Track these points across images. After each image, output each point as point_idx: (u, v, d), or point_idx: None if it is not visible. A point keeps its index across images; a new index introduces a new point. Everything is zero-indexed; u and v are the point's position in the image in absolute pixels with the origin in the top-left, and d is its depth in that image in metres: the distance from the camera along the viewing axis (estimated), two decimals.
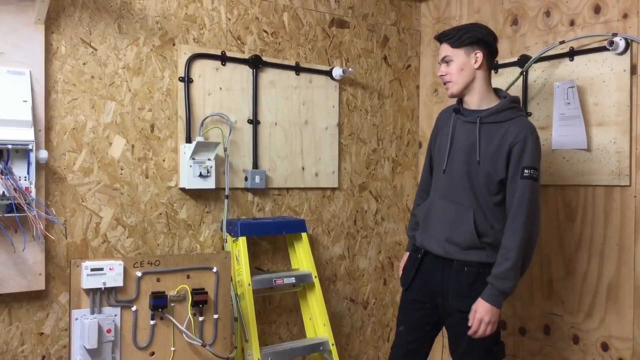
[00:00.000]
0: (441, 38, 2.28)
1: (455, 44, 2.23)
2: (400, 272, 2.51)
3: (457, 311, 2.22)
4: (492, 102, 2.26)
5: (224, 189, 2.73)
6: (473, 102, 2.28)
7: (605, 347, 2.69)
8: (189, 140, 2.63)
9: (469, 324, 2.14)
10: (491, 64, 2.29)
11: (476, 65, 2.22)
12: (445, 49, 2.26)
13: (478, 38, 2.22)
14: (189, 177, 2.59)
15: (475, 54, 2.22)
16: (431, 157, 2.48)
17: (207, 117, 2.68)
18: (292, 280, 2.75)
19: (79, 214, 2.40)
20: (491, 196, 2.20)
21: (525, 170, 2.13)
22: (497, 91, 2.31)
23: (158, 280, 2.30)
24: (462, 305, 2.19)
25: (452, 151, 2.29)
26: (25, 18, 2.24)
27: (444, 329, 2.41)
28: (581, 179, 2.74)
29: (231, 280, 2.50)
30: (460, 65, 2.23)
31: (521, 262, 2.14)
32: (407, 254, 2.52)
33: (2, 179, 2.07)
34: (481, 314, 2.12)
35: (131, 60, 2.52)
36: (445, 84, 2.30)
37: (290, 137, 2.99)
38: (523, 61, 2.94)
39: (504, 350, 2.27)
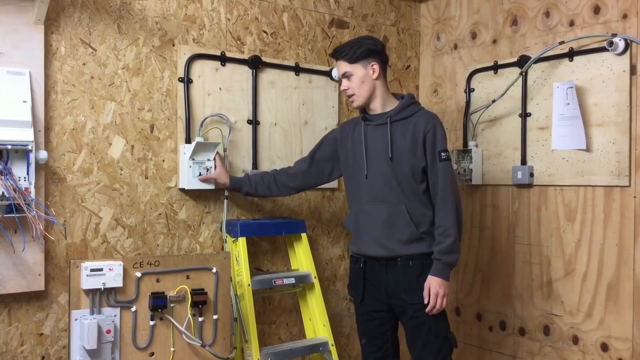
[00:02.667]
0: (337, 55, 2.43)
1: (352, 60, 2.38)
2: None
3: (410, 305, 2.35)
4: (394, 103, 2.44)
5: (224, 189, 2.72)
6: (377, 107, 2.44)
7: (604, 347, 2.69)
8: (188, 140, 2.63)
9: (425, 302, 2.30)
10: (386, 70, 2.45)
11: (374, 76, 2.39)
12: (344, 66, 2.41)
13: (371, 50, 2.38)
14: (188, 178, 2.58)
15: (372, 65, 2.38)
16: (314, 158, 2.62)
17: (207, 118, 2.68)
18: (292, 280, 2.75)
19: (78, 215, 2.40)
20: (418, 185, 2.36)
21: (442, 154, 2.34)
22: (393, 93, 2.49)
23: (158, 280, 2.30)
24: (413, 298, 2.33)
25: (369, 156, 2.42)
26: (25, 18, 2.24)
27: None
28: (581, 179, 2.74)
29: (231, 280, 2.50)
30: (360, 78, 2.38)
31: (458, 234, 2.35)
32: (223, 174, 2.62)
33: (1, 179, 2.06)
34: (435, 288, 2.28)
35: (131, 61, 2.52)
36: (349, 97, 2.45)
37: (289, 137, 2.99)
38: (522, 62, 2.94)
39: (456, 338, 2.41)
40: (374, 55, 2.38)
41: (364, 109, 2.48)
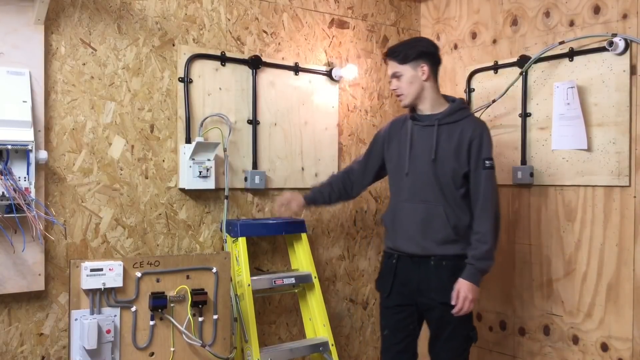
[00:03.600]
0: (388, 56, 2.46)
1: (402, 61, 2.40)
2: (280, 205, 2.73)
3: (440, 304, 2.38)
4: (443, 106, 2.45)
5: (224, 189, 2.73)
6: (426, 108, 2.45)
7: (604, 347, 2.69)
8: (188, 140, 2.63)
9: (453, 303, 2.33)
10: (437, 72, 2.46)
11: (424, 77, 2.40)
12: (394, 66, 2.43)
13: (422, 52, 2.40)
14: (188, 178, 2.59)
15: (422, 67, 2.39)
16: (369, 155, 2.66)
17: (207, 118, 2.68)
18: (292, 280, 2.75)
19: (78, 215, 2.40)
20: (457, 190, 2.39)
21: (486, 162, 2.37)
22: (444, 95, 2.50)
23: (158, 280, 2.30)
24: (444, 297, 2.35)
25: (413, 155, 2.44)
26: (25, 18, 2.24)
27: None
28: (581, 179, 2.74)
29: (231, 280, 2.50)
30: (409, 79, 2.40)
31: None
32: (296, 194, 2.72)
33: (1, 179, 2.07)
34: (465, 292, 2.32)
35: (131, 61, 2.52)
36: (398, 96, 2.48)
37: (289, 137, 2.99)
38: (523, 61, 2.94)
39: (477, 334, 2.48)
40: (424, 57, 2.39)
41: (413, 108, 2.49)
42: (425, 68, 2.39)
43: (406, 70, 2.40)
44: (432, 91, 2.43)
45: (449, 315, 2.36)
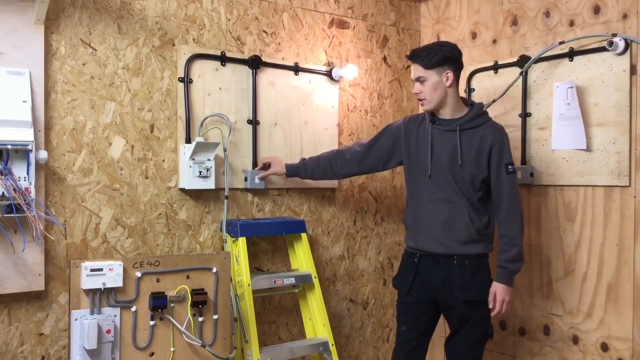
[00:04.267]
0: (413, 59, 2.46)
1: (427, 66, 2.41)
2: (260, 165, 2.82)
3: (461, 302, 2.44)
4: (463, 111, 2.48)
5: (224, 189, 2.73)
6: (447, 113, 2.48)
7: (604, 347, 2.69)
8: (188, 140, 2.63)
9: (490, 307, 2.42)
10: (459, 77, 2.48)
11: (448, 84, 2.42)
12: (419, 70, 2.44)
13: (447, 57, 2.41)
14: (188, 178, 2.59)
15: (446, 73, 2.41)
16: (374, 145, 2.67)
17: (207, 118, 2.68)
18: (292, 280, 2.75)
19: (78, 215, 2.40)
20: (475, 192, 2.45)
21: (509, 167, 2.42)
22: (462, 98, 2.52)
23: (158, 280, 2.30)
24: (467, 296, 2.43)
25: (434, 157, 2.48)
26: (25, 18, 2.24)
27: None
28: (581, 179, 2.74)
29: (231, 280, 2.50)
30: (433, 84, 2.42)
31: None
32: (280, 160, 2.81)
33: (1, 179, 2.07)
34: (502, 295, 2.41)
35: (131, 61, 2.52)
36: (420, 100, 2.48)
37: (290, 137, 2.99)
38: (523, 61, 2.94)
39: (493, 331, 2.56)
40: (449, 63, 2.41)
41: (433, 111, 2.51)
42: (450, 74, 2.41)
43: (431, 75, 2.41)
44: (453, 97, 2.45)
45: (469, 312, 2.44)
